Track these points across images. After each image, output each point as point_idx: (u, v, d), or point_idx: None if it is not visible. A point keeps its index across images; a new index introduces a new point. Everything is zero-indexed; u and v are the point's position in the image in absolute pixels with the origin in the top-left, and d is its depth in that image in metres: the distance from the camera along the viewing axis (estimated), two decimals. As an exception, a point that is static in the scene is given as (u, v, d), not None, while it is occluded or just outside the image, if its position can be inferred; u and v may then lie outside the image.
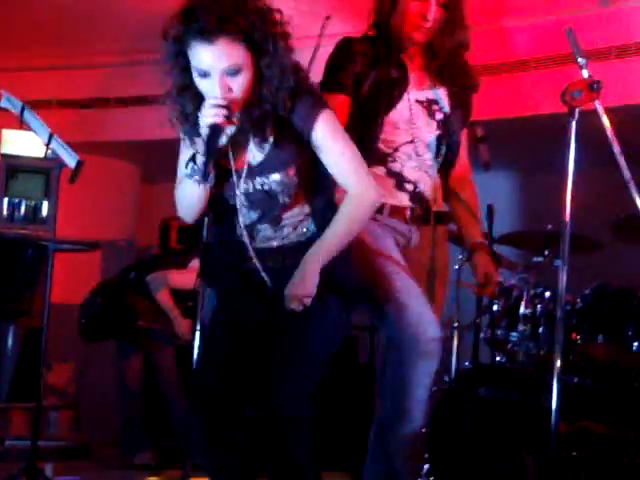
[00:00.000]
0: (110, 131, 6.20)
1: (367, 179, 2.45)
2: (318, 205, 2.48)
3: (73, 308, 5.70)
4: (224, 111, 2.29)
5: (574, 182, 2.60)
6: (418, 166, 2.78)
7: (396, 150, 2.78)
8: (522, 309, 3.92)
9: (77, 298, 5.60)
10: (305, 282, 2.36)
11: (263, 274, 2.47)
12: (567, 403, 3.43)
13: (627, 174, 2.59)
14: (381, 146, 2.76)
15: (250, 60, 2.30)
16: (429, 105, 2.83)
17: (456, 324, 4.52)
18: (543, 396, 3.64)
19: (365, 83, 2.74)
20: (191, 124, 2.39)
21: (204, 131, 2.32)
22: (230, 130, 2.39)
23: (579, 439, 3.58)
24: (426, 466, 4.00)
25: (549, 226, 3.87)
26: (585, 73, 2.61)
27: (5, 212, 4.53)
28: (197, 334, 3.44)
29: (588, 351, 3.74)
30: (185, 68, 2.33)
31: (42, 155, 3.82)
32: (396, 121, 2.77)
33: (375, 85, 2.74)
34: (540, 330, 3.87)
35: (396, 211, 2.78)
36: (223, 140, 2.39)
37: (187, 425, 3.44)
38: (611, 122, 2.65)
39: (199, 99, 2.35)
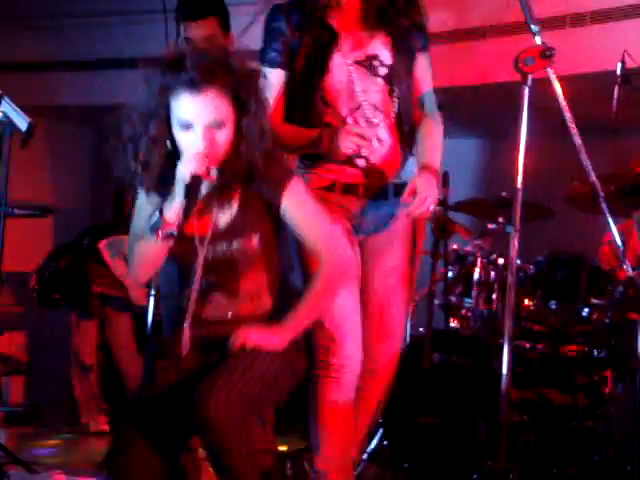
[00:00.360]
0: (62, 95, 6.11)
1: (335, 241, 2.45)
2: (276, 275, 2.46)
3: (24, 276, 5.65)
4: (206, 163, 2.27)
5: (527, 149, 2.61)
6: (370, 135, 2.64)
7: (343, 121, 2.66)
8: (476, 275, 3.95)
9: (29, 266, 5.54)
10: (257, 333, 2.31)
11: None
12: (519, 369, 3.49)
13: (578, 141, 2.61)
14: (328, 119, 2.64)
15: (233, 117, 2.30)
16: (369, 62, 2.68)
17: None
18: (495, 361, 3.69)
19: (298, 51, 2.63)
20: (151, 177, 2.34)
21: (180, 184, 2.26)
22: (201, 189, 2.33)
23: (530, 404, 3.64)
24: (380, 430, 4.05)
25: (503, 193, 3.89)
26: (538, 40, 2.61)
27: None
28: (151, 300, 3.42)
29: (540, 317, 3.79)
30: (164, 119, 2.30)
31: (-8, 118, 3.73)
32: (337, 89, 2.65)
33: (305, 53, 2.62)
34: (494, 296, 3.91)
35: (349, 189, 2.69)
36: (199, 194, 2.32)
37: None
38: (565, 90, 2.67)
39: (166, 154, 2.32)
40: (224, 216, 2.40)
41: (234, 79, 2.29)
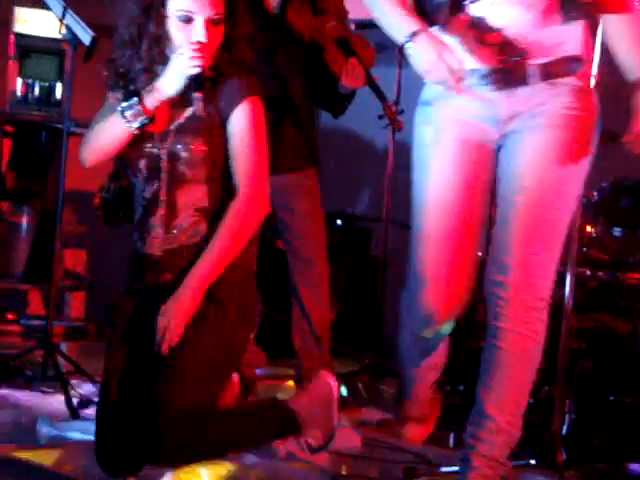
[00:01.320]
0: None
1: (261, 187, 2.38)
2: (215, 199, 2.40)
3: (87, 195, 5.70)
4: (206, 57, 2.30)
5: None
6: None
7: None
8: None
9: (93, 185, 5.59)
10: (174, 320, 2.28)
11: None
12: (579, 295, 3.45)
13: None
14: None
15: (224, 19, 2.35)
16: None
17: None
18: (555, 289, 3.66)
19: None
20: (152, 77, 2.36)
21: (174, 75, 2.30)
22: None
23: (589, 331, 3.61)
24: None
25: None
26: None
27: (19, 93, 4.48)
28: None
29: (602, 244, 3.72)
30: (161, 18, 2.32)
31: (56, 35, 3.74)
32: None
33: None
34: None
35: (478, 75, 2.37)
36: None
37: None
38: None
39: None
40: (182, 114, 2.40)
41: None
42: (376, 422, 3.42)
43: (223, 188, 2.41)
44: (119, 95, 2.42)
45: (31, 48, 4.36)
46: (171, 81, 2.32)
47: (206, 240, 2.36)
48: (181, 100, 2.39)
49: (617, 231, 3.67)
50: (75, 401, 3.26)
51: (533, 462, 2.54)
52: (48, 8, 3.59)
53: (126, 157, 2.47)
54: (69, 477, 2.42)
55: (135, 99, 2.32)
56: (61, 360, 3.65)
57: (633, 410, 3.51)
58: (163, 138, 2.40)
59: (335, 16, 3.32)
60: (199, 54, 2.29)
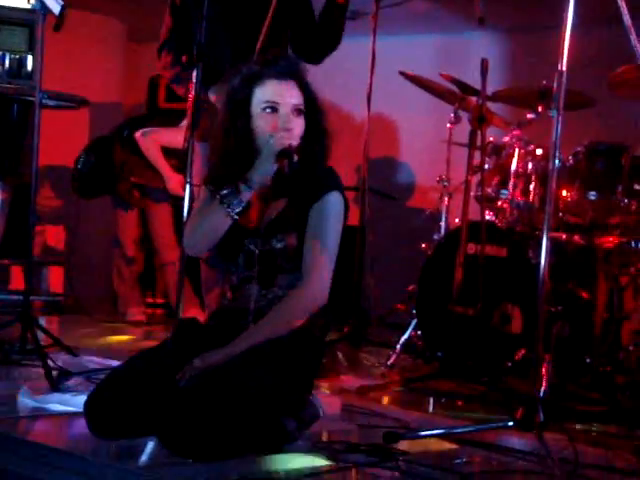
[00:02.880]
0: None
1: (323, 279, 2.52)
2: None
3: (63, 170, 5.68)
4: (294, 138, 2.50)
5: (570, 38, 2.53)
6: None
7: None
8: (513, 166, 3.91)
9: (67, 160, 5.56)
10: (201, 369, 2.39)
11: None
12: (555, 260, 3.47)
13: (628, 21, 2.52)
14: None
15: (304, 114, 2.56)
16: None
17: (446, 183, 4.53)
18: (531, 252, 3.69)
19: None
20: (235, 168, 2.53)
21: (265, 159, 2.48)
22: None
23: (565, 295, 3.64)
24: (414, 320, 4.08)
25: (544, 82, 3.81)
26: None
27: (-12, 66, 4.41)
28: (187, 188, 3.42)
29: (578, 208, 3.75)
30: (248, 115, 2.53)
31: (25, 5, 3.70)
32: None
33: None
34: (531, 187, 3.87)
35: None
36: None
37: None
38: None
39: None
40: (274, 211, 2.58)
41: (305, 85, 2.58)
42: (356, 389, 3.44)
43: None
44: (212, 187, 2.59)
45: (0, 19, 4.30)
46: (264, 164, 2.50)
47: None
48: (270, 195, 2.58)
49: (592, 195, 3.70)
50: (54, 374, 3.25)
51: (511, 424, 2.55)
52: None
53: (225, 252, 2.62)
54: (50, 448, 2.42)
55: (233, 187, 2.50)
56: (40, 334, 3.64)
57: (608, 372, 3.56)
58: (257, 233, 2.57)
59: None
60: (288, 135, 2.50)
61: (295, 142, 2.50)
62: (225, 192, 2.50)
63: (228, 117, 2.55)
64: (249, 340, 2.47)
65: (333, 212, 2.55)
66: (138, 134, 5.06)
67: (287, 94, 2.53)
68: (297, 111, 2.54)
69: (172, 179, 5.00)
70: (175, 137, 4.78)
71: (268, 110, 2.52)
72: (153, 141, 5.04)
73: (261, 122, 2.53)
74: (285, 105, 2.52)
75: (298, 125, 2.54)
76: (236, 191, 2.49)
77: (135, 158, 5.11)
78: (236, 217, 2.51)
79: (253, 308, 2.57)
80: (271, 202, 2.60)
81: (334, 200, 2.55)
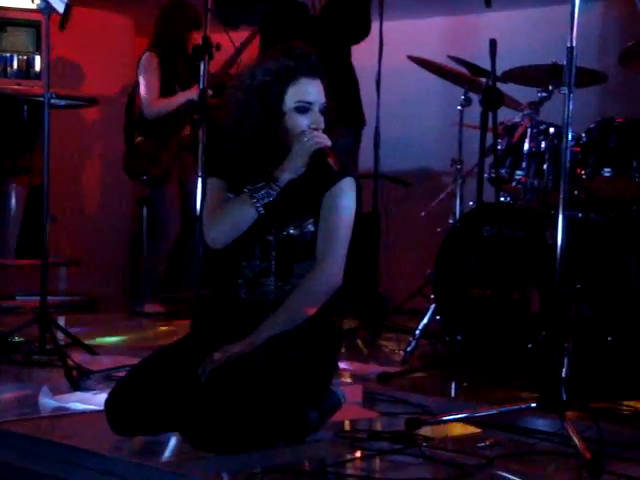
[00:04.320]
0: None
1: (340, 263, 2.55)
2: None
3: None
4: (326, 138, 2.52)
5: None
6: None
7: None
8: (526, 146, 3.87)
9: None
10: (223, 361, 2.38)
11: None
12: (571, 238, 3.44)
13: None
14: None
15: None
16: None
17: (459, 166, 4.50)
18: (548, 232, 3.65)
19: None
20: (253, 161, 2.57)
21: (298, 158, 2.50)
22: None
23: (584, 273, 3.61)
24: (432, 306, 4.07)
25: (554, 60, 3.77)
26: None
27: (-3, 67, 4.42)
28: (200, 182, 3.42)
29: (593, 185, 3.71)
30: (278, 110, 2.53)
31: (31, 5, 3.69)
32: None
33: None
34: (545, 167, 3.83)
35: None
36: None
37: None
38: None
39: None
40: (292, 197, 2.57)
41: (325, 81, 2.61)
42: (376, 376, 3.43)
43: None
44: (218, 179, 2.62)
45: (6, 21, 4.31)
46: (297, 161, 2.51)
47: None
48: (289, 185, 2.56)
49: (607, 172, 3.66)
50: (74, 373, 3.26)
51: (534, 405, 2.54)
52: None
53: (241, 244, 2.61)
54: (72, 447, 2.43)
55: (263, 182, 2.52)
56: (59, 334, 3.65)
57: (630, 349, 3.53)
58: (274, 221, 2.57)
59: None
60: (321, 135, 2.53)
61: (329, 142, 2.53)
62: (256, 187, 2.51)
63: (258, 113, 2.54)
64: (269, 330, 2.48)
65: (346, 198, 2.58)
66: (145, 113, 5.06)
67: (319, 93, 2.58)
68: (323, 109, 2.59)
69: (191, 92, 4.83)
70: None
71: (302, 109, 2.55)
72: (154, 101, 5.04)
73: (293, 120, 2.55)
74: (316, 104, 2.57)
75: (324, 123, 2.58)
76: (266, 186, 2.51)
77: (153, 146, 5.11)
78: (263, 212, 2.52)
79: (272, 300, 2.57)
80: (288, 191, 2.59)
81: (347, 186, 2.58)
